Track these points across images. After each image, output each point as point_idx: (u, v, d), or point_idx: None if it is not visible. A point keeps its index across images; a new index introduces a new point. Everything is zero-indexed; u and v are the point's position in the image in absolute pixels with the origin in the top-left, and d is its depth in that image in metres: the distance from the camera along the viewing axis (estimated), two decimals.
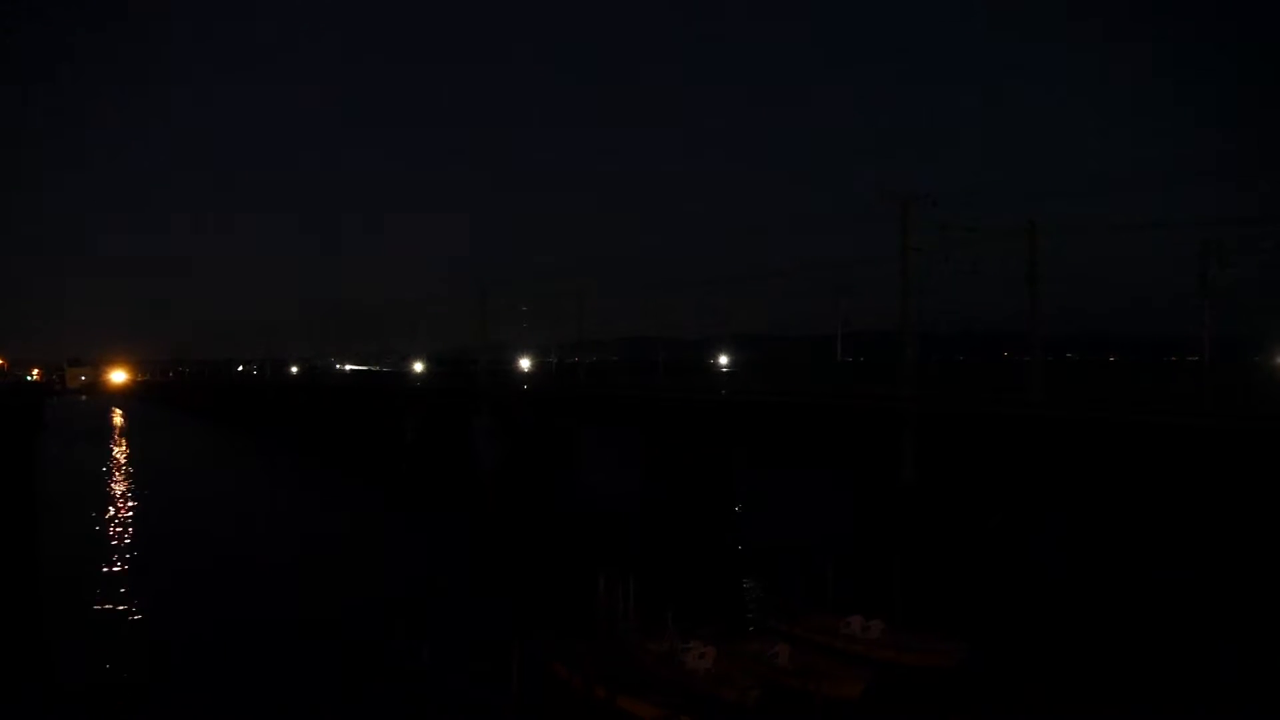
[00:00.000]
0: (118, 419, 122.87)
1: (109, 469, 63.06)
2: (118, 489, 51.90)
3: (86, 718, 18.52)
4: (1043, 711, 17.23)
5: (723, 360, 76.36)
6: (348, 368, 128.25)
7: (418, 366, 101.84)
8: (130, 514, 42.78)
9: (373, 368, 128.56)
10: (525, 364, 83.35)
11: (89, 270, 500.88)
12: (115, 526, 39.26)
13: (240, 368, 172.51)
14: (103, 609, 25.50)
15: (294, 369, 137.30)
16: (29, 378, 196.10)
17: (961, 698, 17.81)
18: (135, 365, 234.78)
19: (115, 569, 30.62)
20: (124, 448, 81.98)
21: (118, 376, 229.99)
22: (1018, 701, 17.60)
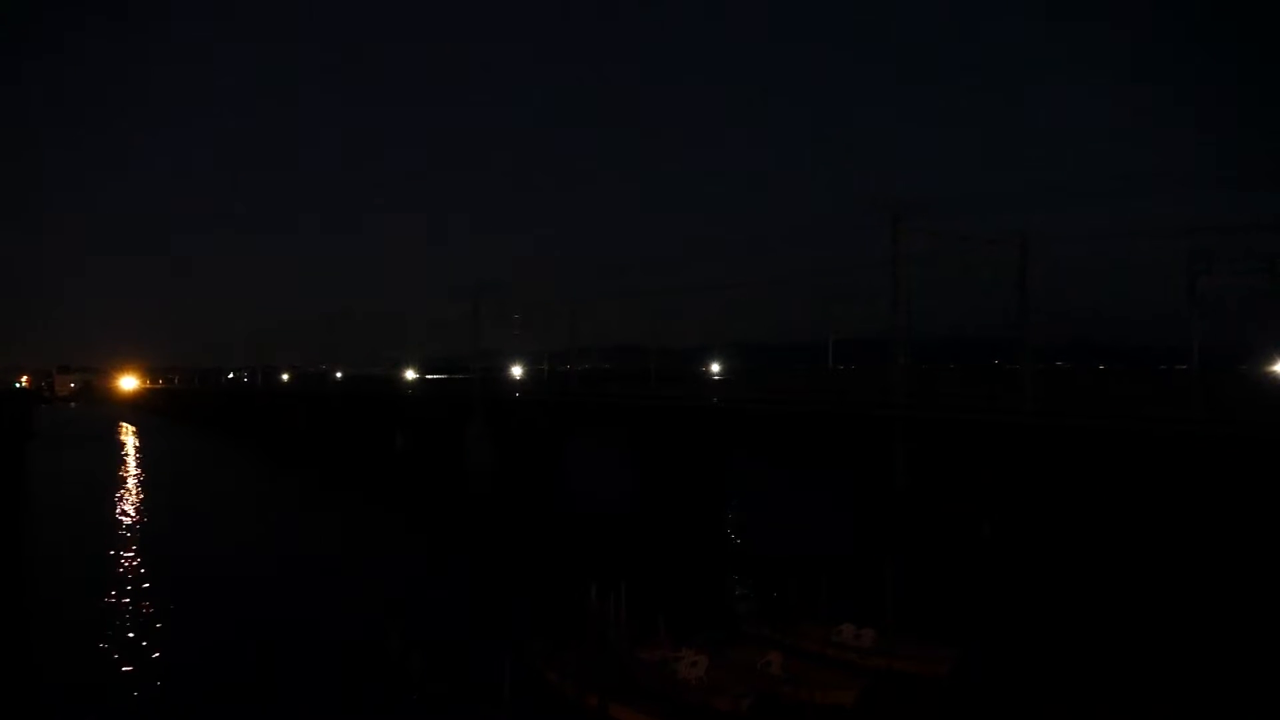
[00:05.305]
0: (112, 425, 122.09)
1: (102, 474, 62.65)
2: (110, 494, 51.52)
3: None
4: (1035, 718, 17.25)
5: (714, 368, 76.46)
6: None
7: (410, 374, 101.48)
8: (122, 518, 42.48)
9: (374, 373, 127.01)
10: (517, 371, 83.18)
11: (89, 274, 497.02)
12: (106, 531, 38.96)
13: (230, 375, 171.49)
14: (94, 611, 25.28)
15: (285, 376, 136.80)
16: (17, 385, 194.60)
17: (953, 706, 17.83)
18: (143, 371, 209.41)
19: (106, 572, 30.35)
20: (117, 452, 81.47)
21: (127, 383, 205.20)
22: (1010, 709, 17.62)
